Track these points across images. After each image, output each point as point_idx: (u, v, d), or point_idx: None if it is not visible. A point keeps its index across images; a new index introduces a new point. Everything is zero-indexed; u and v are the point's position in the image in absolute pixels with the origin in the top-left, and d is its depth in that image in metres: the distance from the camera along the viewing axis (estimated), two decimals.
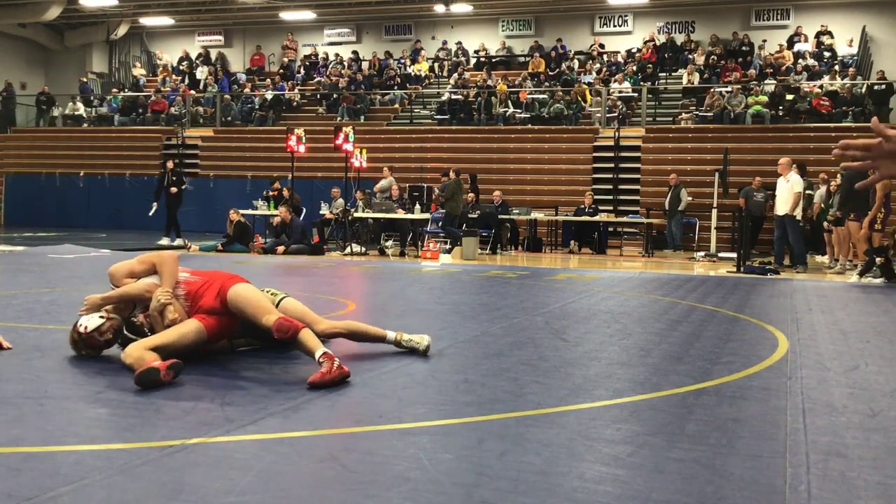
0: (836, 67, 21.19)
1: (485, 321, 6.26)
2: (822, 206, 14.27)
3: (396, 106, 23.84)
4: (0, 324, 5.46)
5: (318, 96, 24.77)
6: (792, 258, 12.92)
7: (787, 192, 12.65)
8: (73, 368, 4.19)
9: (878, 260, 10.71)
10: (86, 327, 4.37)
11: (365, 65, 26.07)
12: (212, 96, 25.02)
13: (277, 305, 4.63)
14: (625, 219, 17.27)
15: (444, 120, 22.21)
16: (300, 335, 4.05)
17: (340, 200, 16.73)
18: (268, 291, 4.73)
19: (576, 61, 24.06)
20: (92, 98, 26.90)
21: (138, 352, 4.02)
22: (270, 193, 16.98)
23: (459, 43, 26.13)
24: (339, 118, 22.85)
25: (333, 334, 4.73)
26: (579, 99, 21.56)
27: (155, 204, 16.37)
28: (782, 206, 12.80)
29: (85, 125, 25.63)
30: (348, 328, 4.81)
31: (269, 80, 26.06)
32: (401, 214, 15.69)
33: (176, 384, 3.84)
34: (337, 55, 26.74)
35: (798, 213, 12.73)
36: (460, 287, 9.30)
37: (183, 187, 16.50)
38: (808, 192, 14.09)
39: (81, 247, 14.02)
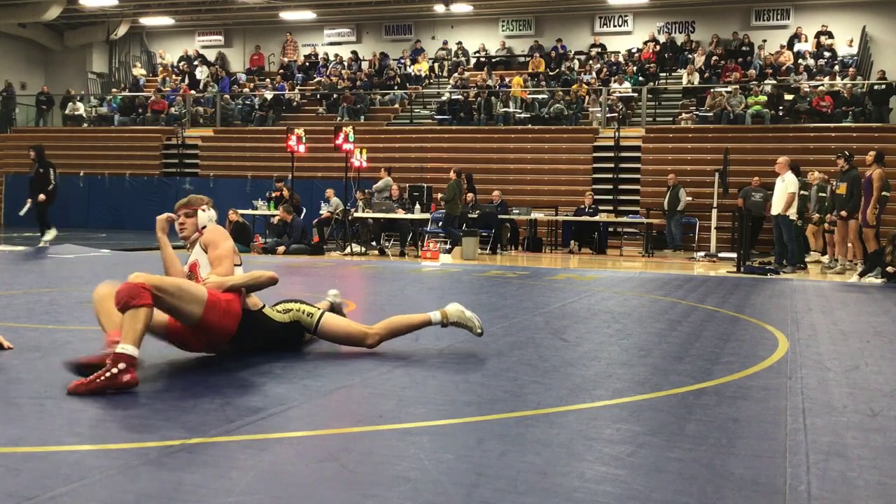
0: (836, 67, 21.19)
1: (485, 321, 6.23)
2: (825, 205, 14.24)
3: (396, 106, 23.84)
4: (0, 324, 5.45)
5: (318, 96, 24.77)
6: (779, 257, 12.83)
7: (782, 191, 12.63)
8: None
9: (889, 269, 10.63)
10: None
11: (365, 65, 26.07)
12: (212, 96, 25.03)
13: (317, 324, 4.59)
14: (625, 219, 17.27)
15: (444, 120, 22.20)
16: (125, 315, 3.69)
17: (335, 199, 16.76)
18: (304, 312, 4.63)
19: (576, 61, 24.06)
20: (90, 97, 26.89)
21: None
22: (274, 194, 16.97)
23: (459, 43, 26.13)
24: (339, 118, 22.85)
25: (381, 341, 4.69)
26: (578, 98, 21.56)
27: (29, 201, 14.72)
28: (776, 205, 12.79)
29: (85, 125, 25.62)
30: (389, 329, 4.73)
31: (269, 80, 26.06)
32: (401, 214, 15.69)
33: (176, 384, 3.83)
34: (337, 55, 26.74)
35: (792, 214, 12.67)
36: (460, 287, 9.30)
37: (51, 186, 14.62)
38: (802, 192, 14.04)
39: (81, 247, 14.02)
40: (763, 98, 20.00)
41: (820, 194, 14.57)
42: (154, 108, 24.76)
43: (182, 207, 4.60)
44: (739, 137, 18.76)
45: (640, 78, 22.48)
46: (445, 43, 26.28)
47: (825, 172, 15.03)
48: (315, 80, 25.76)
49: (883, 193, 11.62)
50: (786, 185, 12.56)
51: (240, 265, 4.51)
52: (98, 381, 3.57)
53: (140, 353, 3.76)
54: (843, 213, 12.10)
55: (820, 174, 14.91)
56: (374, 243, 16.30)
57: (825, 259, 14.17)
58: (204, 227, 4.60)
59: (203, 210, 4.61)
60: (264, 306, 4.62)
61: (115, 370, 3.59)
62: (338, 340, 4.68)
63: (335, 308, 5.40)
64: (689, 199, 17.21)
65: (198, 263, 4.48)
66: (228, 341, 4.50)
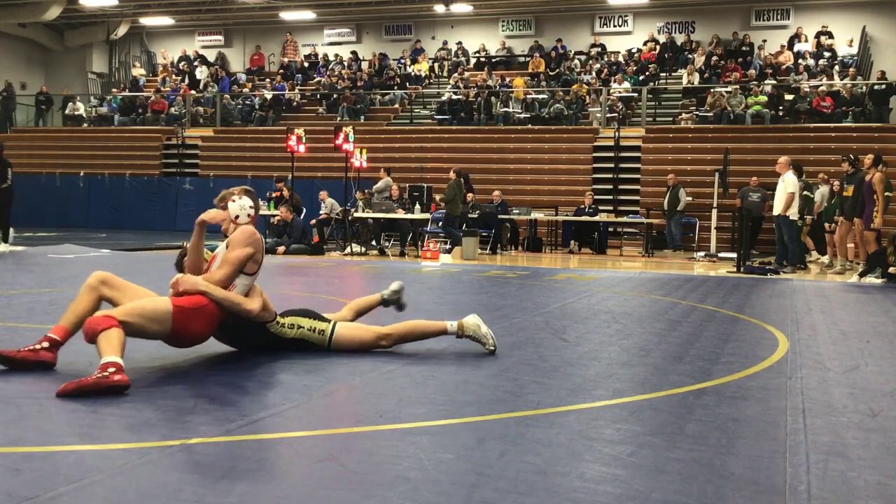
0: (836, 67, 21.18)
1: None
2: (826, 205, 14.23)
3: (396, 106, 23.84)
4: (0, 324, 5.45)
5: (318, 96, 24.77)
6: (780, 257, 12.80)
7: (782, 191, 12.62)
8: (73, 368, 4.18)
9: (892, 270, 10.62)
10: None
11: (365, 65, 26.07)
12: (212, 96, 25.03)
13: (330, 340, 4.58)
14: (625, 219, 17.27)
15: (444, 120, 22.21)
16: (98, 340, 3.71)
17: (330, 200, 16.76)
18: (315, 330, 4.60)
19: (576, 61, 24.06)
20: (90, 97, 26.89)
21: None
22: (274, 194, 16.96)
23: (459, 43, 26.12)
24: (339, 118, 22.85)
25: (395, 343, 4.69)
26: (578, 98, 21.55)
27: None
28: (776, 205, 12.77)
29: (85, 125, 25.62)
30: (404, 332, 4.71)
31: (268, 80, 26.06)
32: (401, 214, 15.69)
33: (176, 384, 3.83)
34: (337, 55, 26.74)
35: (793, 214, 12.64)
36: (460, 287, 9.29)
37: (6, 185, 13.51)
38: (805, 192, 14.04)
39: (81, 247, 14.02)
40: (763, 98, 20.00)
41: (813, 196, 14.57)
42: (154, 108, 24.76)
43: (218, 202, 4.58)
44: (739, 137, 18.76)
45: (640, 78, 22.48)
46: (445, 43, 26.28)
47: (825, 173, 15.03)
48: (315, 80, 25.75)
49: (885, 194, 11.59)
50: (785, 186, 12.55)
51: (251, 275, 4.43)
52: (88, 382, 3.56)
53: (139, 354, 3.76)
54: (856, 219, 11.89)
55: (809, 176, 14.89)
56: (374, 243, 16.30)
57: (825, 259, 14.17)
58: (237, 218, 4.51)
59: (233, 200, 4.52)
60: (276, 318, 4.60)
61: (105, 372, 3.59)
62: (354, 350, 4.66)
63: (389, 302, 5.25)
64: (689, 199, 17.21)
65: (216, 258, 4.47)
66: (230, 345, 4.50)
